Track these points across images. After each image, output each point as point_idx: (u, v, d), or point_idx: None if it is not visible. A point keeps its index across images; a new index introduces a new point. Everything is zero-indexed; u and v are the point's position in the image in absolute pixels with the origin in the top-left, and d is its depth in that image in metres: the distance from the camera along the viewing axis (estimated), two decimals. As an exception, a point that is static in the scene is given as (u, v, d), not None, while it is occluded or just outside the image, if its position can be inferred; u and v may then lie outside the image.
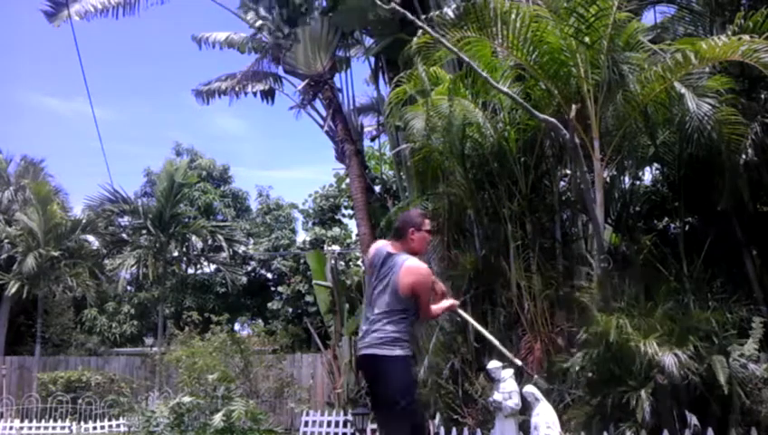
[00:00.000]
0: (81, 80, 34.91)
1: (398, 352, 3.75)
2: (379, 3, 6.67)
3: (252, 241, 23.22)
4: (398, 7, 5.98)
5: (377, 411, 4.20)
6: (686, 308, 6.78)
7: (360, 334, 4.00)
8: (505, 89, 6.91)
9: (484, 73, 6.52)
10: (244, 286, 21.99)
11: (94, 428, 12.82)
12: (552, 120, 6.54)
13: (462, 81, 8.11)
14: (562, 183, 8.77)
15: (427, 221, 4.00)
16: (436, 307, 4.14)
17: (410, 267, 3.81)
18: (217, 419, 7.76)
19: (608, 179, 7.94)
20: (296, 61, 13.22)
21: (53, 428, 12.90)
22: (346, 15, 11.68)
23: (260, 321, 22.07)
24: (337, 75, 13.55)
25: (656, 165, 8.82)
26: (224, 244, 18.38)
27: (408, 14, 5.96)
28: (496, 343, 4.77)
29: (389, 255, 3.92)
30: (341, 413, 10.07)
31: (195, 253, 19.80)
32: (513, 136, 8.00)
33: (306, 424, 10.00)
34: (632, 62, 7.14)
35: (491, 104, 8.35)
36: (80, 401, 14.17)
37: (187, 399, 8.27)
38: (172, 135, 59.42)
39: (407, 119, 8.67)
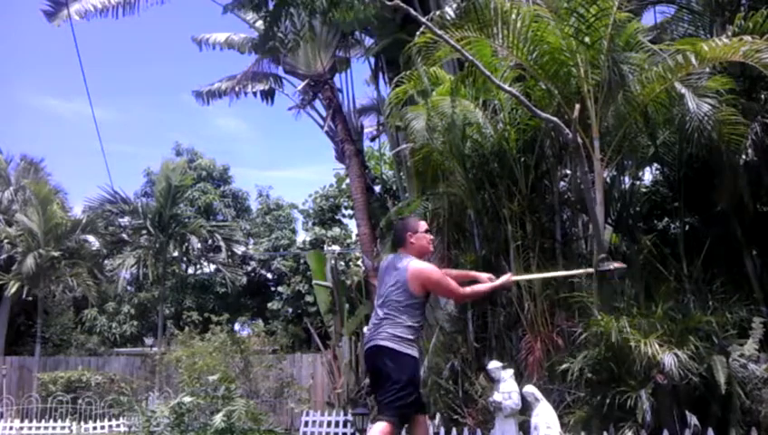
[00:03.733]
0: (80, 80, 34.94)
1: (404, 349, 4.03)
2: (384, 2, 6.66)
3: (252, 241, 23.23)
4: (401, 4, 5.97)
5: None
6: (686, 308, 6.78)
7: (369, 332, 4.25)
8: (509, 88, 6.91)
9: (488, 72, 6.52)
10: (244, 286, 22.00)
11: (94, 428, 12.82)
12: (555, 119, 6.54)
13: (463, 81, 8.11)
14: (562, 183, 8.77)
15: (422, 223, 4.26)
16: (480, 287, 4.41)
17: (415, 270, 4.09)
18: (218, 419, 7.77)
19: (608, 179, 7.94)
20: (296, 61, 13.23)
21: (53, 428, 12.88)
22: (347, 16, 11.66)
23: (260, 321, 22.07)
24: (337, 75, 13.57)
25: (656, 165, 8.82)
26: (222, 244, 18.39)
27: (412, 11, 5.97)
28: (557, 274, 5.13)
29: (397, 258, 4.20)
30: (341, 413, 10.06)
31: (195, 253, 19.81)
32: (513, 136, 8.00)
33: (306, 424, 9.98)
34: (632, 63, 7.14)
35: (491, 104, 8.36)
36: (80, 401, 14.16)
37: (187, 399, 8.27)
38: (172, 135, 59.44)
39: (407, 119, 8.67)
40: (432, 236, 4.33)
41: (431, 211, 9.20)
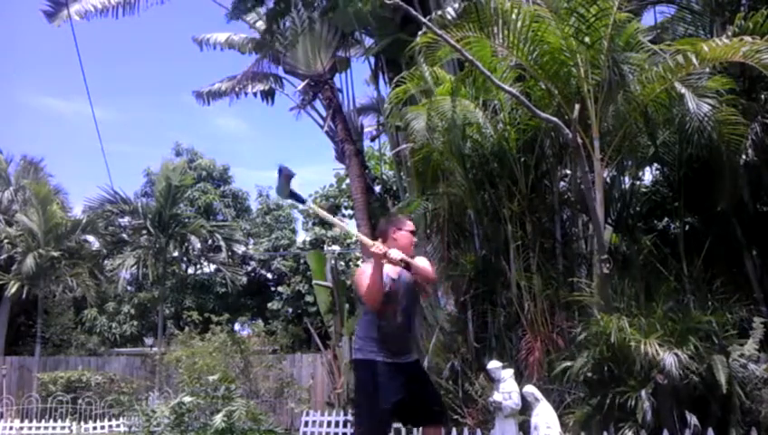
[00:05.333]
0: (81, 80, 34.94)
1: (357, 355, 3.96)
2: (384, 1, 6.67)
3: (252, 241, 23.23)
4: (401, 3, 5.97)
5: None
6: (687, 308, 6.78)
7: None
8: (509, 88, 6.91)
9: (489, 72, 6.51)
10: (244, 286, 21.98)
11: (94, 428, 12.81)
12: (555, 119, 6.54)
13: (463, 81, 8.12)
14: (562, 183, 8.76)
15: (408, 222, 4.10)
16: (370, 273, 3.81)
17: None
18: (218, 419, 7.77)
19: (608, 179, 7.94)
20: (296, 61, 13.23)
21: (53, 428, 12.88)
22: (346, 15, 11.67)
23: (260, 321, 22.06)
24: (337, 75, 13.56)
25: (656, 165, 8.81)
26: (222, 244, 18.38)
27: (412, 10, 5.96)
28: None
29: None
30: (341, 413, 10.06)
31: (195, 253, 19.81)
32: (513, 136, 8.00)
33: (306, 424, 9.99)
34: (632, 63, 7.14)
35: (491, 104, 8.35)
36: (80, 401, 14.16)
37: (187, 399, 8.27)
38: (172, 135, 59.41)
39: (407, 119, 8.66)
40: (416, 240, 4.13)
41: (431, 211, 9.20)
